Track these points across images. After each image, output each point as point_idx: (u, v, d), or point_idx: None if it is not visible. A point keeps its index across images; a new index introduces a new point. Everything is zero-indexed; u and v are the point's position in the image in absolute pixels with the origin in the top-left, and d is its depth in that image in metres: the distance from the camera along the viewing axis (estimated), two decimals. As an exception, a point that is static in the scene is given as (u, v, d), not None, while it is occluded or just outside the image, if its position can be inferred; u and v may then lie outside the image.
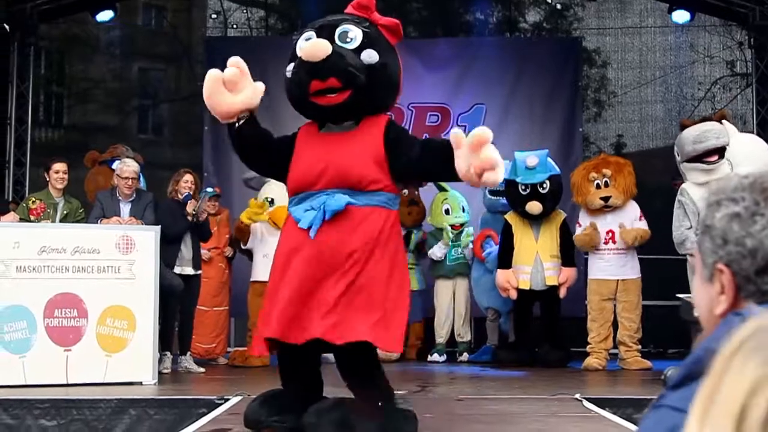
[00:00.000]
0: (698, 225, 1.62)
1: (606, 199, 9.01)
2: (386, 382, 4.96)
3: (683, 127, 8.24)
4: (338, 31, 4.91)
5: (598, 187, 9.06)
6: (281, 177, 5.18)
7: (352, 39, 4.91)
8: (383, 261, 4.82)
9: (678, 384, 1.42)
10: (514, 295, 9.40)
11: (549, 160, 9.55)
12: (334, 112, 4.97)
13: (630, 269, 9.06)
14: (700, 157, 7.61)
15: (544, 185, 9.32)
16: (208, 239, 8.96)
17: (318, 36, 4.88)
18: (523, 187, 9.33)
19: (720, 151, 7.59)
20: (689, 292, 6.98)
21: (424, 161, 4.89)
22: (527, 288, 9.37)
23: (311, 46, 4.79)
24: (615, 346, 9.25)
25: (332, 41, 4.83)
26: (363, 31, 4.96)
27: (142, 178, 9.35)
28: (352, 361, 4.74)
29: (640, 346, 9.10)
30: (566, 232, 9.42)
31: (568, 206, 10.28)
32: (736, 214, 1.53)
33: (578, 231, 9.22)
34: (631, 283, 9.03)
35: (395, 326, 4.75)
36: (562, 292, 9.32)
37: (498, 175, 4.57)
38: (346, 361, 4.77)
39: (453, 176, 4.73)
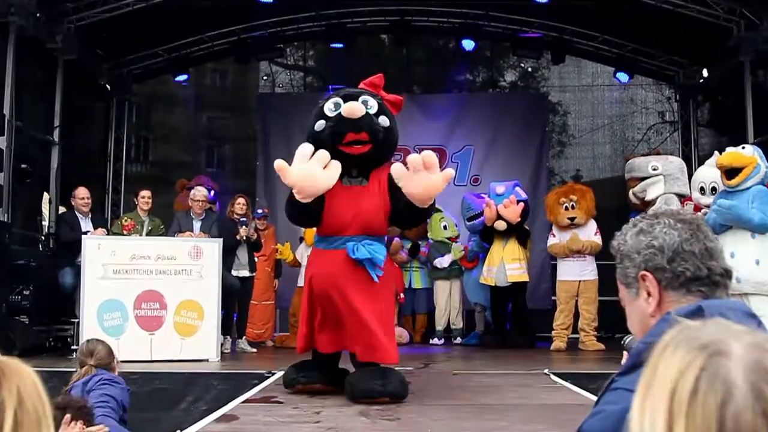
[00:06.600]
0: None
1: (572, 219, 8.99)
2: None
3: (627, 161, 8.23)
4: (361, 99, 5.03)
5: (566, 209, 9.03)
6: (318, 223, 5.20)
7: (371, 106, 5.04)
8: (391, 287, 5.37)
9: (627, 371, 1.42)
10: (492, 215, 9.15)
11: (518, 189, 9.48)
12: (356, 161, 5.03)
13: (589, 272, 8.99)
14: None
15: None
16: (260, 250, 8.96)
17: (344, 102, 5.00)
18: None
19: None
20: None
21: (403, 213, 5.08)
22: (493, 284, 9.30)
23: (352, 107, 4.94)
24: (575, 332, 9.17)
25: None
26: (377, 102, 5.10)
27: (218, 203, 9.53)
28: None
29: (596, 333, 8.99)
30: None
31: (538, 223, 10.29)
32: (639, 230, 1.58)
33: (551, 241, 9.18)
34: (590, 283, 8.96)
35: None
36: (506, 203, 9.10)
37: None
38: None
39: (415, 212, 4.99)
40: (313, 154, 4.79)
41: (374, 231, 5.10)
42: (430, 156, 4.76)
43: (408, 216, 5.15)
